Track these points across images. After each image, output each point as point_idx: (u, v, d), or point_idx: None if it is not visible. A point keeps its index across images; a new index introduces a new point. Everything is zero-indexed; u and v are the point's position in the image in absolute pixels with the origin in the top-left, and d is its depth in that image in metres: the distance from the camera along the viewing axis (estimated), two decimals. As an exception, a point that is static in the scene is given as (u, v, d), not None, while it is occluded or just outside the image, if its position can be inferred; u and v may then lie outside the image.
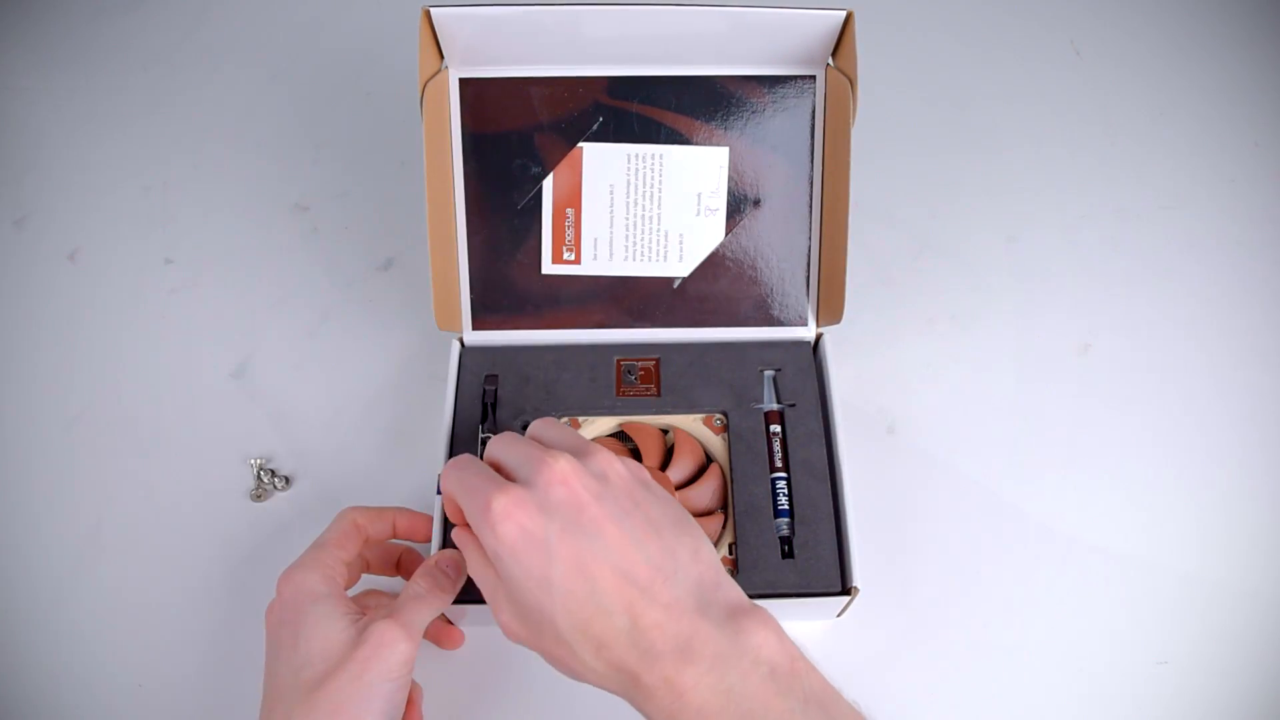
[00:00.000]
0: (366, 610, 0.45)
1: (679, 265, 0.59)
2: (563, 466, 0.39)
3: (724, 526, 0.54)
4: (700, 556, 0.40)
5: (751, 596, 0.50)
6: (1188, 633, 0.57)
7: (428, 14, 0.52)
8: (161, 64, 0.83)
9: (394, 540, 0.53)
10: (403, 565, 0.54)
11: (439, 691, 0.54)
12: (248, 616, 0.57)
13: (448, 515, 0.43)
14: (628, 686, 0.38)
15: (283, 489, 0.61)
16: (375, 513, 0.50)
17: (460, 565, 0.47)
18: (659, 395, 0.58)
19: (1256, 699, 0.55)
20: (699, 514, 0.53)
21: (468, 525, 0.41)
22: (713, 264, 0.59)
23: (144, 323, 0.69)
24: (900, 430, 0.63)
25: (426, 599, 0.45)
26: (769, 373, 0.59)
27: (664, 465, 0.55)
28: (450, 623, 0.55)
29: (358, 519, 0.49)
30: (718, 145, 0.57)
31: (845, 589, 0.51)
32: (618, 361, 0.59)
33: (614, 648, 0.37)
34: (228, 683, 0.55)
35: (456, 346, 0.59)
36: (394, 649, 0.42)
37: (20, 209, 0.75)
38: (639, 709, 0.38)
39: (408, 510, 0.52)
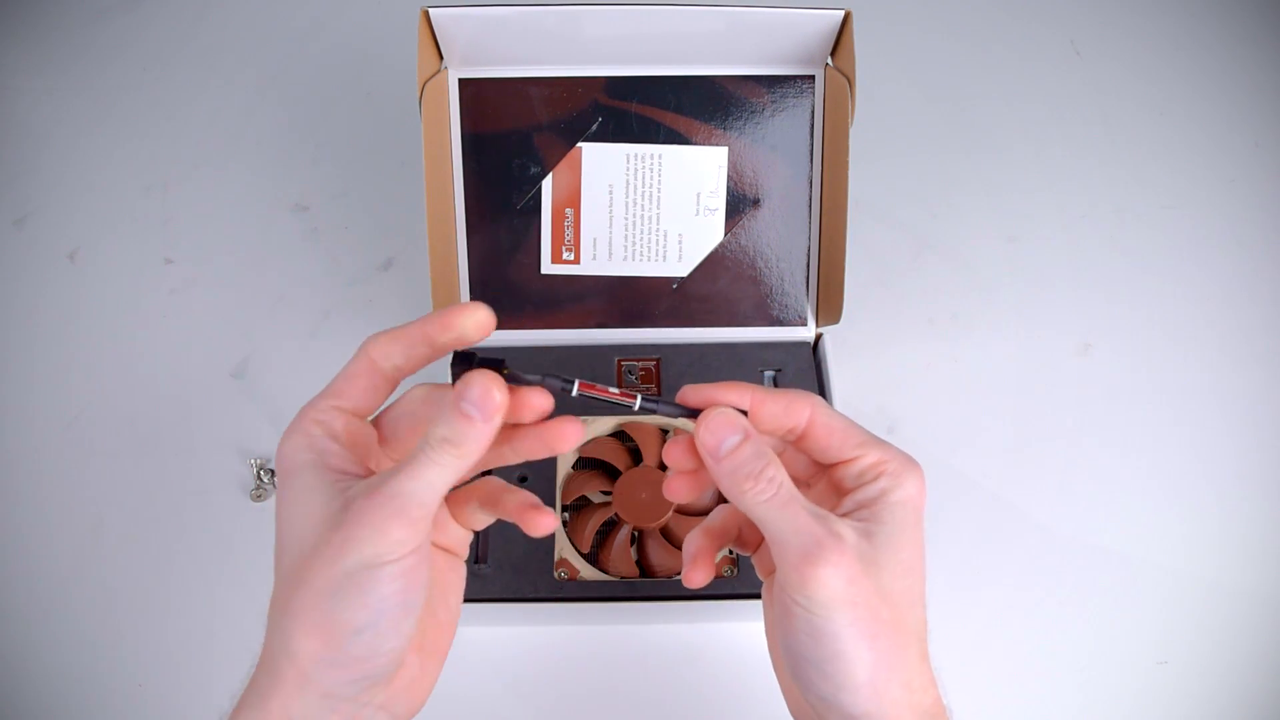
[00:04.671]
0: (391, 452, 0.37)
1: (678, 265, 0.59)
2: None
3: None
4: None
5: (752, 596, 0.50)
6: (1187, 633, 0.57)
7: (426, 14, 0.52)
8: (161, 64, 0.83)
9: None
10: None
11: (440, 692, 0.54)
12: (248, 616, 0.57)
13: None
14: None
15: (283, 489, 0.61)
16: (400, 335, 0.35)
17: (497, 397, 0.32)
18: (660, 395, 0.58)
19: (1256, 699, 0.55)
20: (698, 514, 0.53)
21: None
22: (712, 264, 0.59)
23: (144, 323, 0.69)
24: (900, 430, 0.63)
25: (436, 456, 0.32)
26: (769, 373, 0.59)
27: (664, 465, 0.55)
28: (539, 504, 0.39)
29: (374, 351, 0.35)
30: (717, 145, 0.57)
31: None
32: (618, 361, 0.59)
33: (928, 669, 0.35)
34: (228, 683, 0.55)
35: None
36: (381, 531, 0.31)
37: (20, 209, 0.75)
38: None
39: (444, 316, 0.34)
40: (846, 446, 0.36)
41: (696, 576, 0.39)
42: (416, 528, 0.32)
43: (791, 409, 0.36)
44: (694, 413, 0.35)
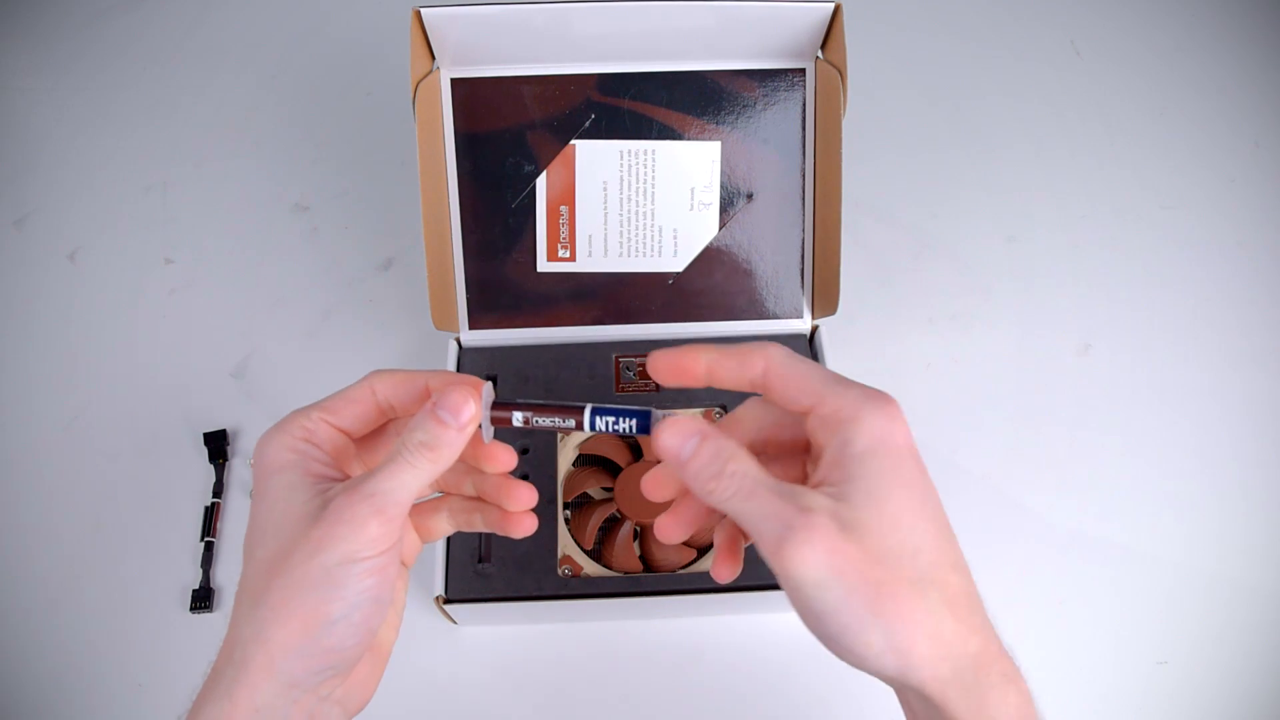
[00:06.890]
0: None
1: (674, 260, 0.59)
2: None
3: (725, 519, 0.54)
4: None
5: (753, 589, 0.50)
6: (1188, 632, 0.56)
7: (418, 15, 0.52)
8: (161, 64, 0.83)
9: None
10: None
11: (439, 690, 0.54)
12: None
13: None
14: (966, 672, 0.33)
15: (281, 488, 0.61)
16: (404, 376, 0.37)
17: (473, 407, 0.35)
18: (658, 391, 0.58)
19: (1256, 699, 0.55)
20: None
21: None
22: (707, 258, 0.59)
23: (144, 323, 0.69)
24: (899, 429, 0.63)
25: (412, 459, 0.34)
26: None
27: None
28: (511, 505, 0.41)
29: (377, 384, 0.37)
30: (710, 140, 0.57)
31: None
32: (615, 358, 0.59)
33: (966, 614, 0.33)
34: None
35: (454, 347, 0.59)
36: (359, 527, 0.32)
37: (20, 209, 0.75)
38: (952, 708, 0.32)
39: (449, 374, 0.38)
40: (804, 395, 0.34)
41: (724, 571, 0.38)
42: (392, 526, 0.33)
43: (746, 363, 0.35)
44: (645, 428, 0.35)
